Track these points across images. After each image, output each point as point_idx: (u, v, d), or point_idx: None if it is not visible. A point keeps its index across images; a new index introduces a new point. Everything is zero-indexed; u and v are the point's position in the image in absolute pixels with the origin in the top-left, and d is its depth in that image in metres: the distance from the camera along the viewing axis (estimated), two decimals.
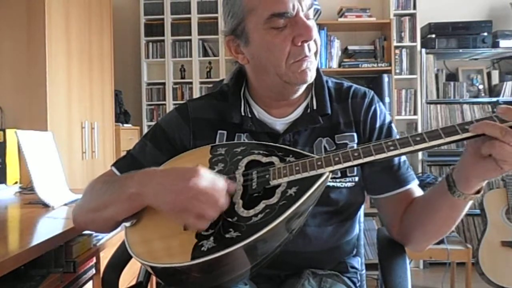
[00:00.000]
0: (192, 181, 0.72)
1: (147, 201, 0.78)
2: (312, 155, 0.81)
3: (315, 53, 0.91)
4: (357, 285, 1.04)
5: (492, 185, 3.11)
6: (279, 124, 0.97)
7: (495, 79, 3.57)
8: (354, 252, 1.07)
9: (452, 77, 3.64)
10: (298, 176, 0.77)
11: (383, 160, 0.75)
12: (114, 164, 1.00)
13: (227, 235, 0.72)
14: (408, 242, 0.97)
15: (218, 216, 0.74)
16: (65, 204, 1.51)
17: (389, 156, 0.74)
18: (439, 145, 0.72)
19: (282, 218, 0.71)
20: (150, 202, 0.78)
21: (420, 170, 3.39)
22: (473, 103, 3.51)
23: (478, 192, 0.79)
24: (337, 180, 0.92)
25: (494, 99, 3.45)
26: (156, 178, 0.78)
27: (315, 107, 0.96)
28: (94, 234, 1.36)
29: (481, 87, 3.57)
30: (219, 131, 0.97)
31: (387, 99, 3.37)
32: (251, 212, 0.75)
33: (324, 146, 0.95)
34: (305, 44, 0.87)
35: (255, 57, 0.92)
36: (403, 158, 0.97)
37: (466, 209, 0.83)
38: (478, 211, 2.90)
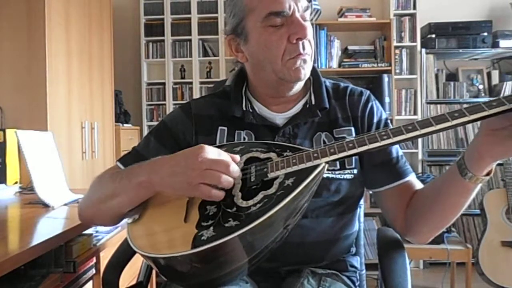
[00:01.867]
0: (200, 156, 0.76)
1: (158, 187, 0.81)
2: (308, 149, 0.83)
3: (310, 54, 0.95)
4: (356, 284, 1.05)
5: (492, 185, 3.11)
6: (279, 118, 1.01)
7: (495, 79, 3.58)
8: (354, 251, 1.09)
9: (452, 77, 3.65)
10: (295, 167, 0.79)
11: (378, 149, 0.77)
12: (119, 160, 1.02)
13: (226, 224, 0.74)
14: (413, 233, 0.98)
15: (233, 183, 0.78)
16: (65, 204, 1.51)
17: (383, 145, 0.76)
18: (430, 133, 0.74)
19: (279, 207, 0.73)
20: (162, 187, 0.81)
21: (420, 170, 3.39)
22: (473, 103, 3.50)
23: (488, 174, 0.80)
24: (336, 172, 0.95)
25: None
26: (165, 164, 0.81)
27: (313, 102, 1.00)
28: (94, 234, 1.36)
29: (481, 87, 3.57)
30: (220, 127, 1.00)
31: (387, 99, 3.37)
32: (250, 202, 0.77)
33: (323, 140, 0.98)
34: (300, 42, 0.92)
35: (254, 55, 0.96)
36: (400, 152, 1.00)
37: (473, 195, 0.84)
38: (478, 211, 2.90)
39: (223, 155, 0.79)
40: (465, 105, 3.00)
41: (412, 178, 0.99)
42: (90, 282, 1.31)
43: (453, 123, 0.72)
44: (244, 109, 1.00)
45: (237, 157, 0.82)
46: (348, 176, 0.96)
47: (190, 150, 0.80)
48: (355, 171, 0.97)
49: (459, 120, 0.71)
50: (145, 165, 0.84)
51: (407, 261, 0.99)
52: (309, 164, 0.79)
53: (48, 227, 1.25)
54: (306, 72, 0.95)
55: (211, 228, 0.74)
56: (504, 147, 0.74)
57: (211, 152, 0.78)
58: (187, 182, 0.76)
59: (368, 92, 1.06)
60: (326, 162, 0.79)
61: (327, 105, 1.00)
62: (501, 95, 3.43)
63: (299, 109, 1.01)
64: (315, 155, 0.79)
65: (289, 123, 0.99)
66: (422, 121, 0.74)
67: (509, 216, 2.65)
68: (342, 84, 1.07)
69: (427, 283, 3.09)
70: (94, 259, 1.32)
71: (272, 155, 0.86)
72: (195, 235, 0.74)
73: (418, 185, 0.99)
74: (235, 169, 0.78)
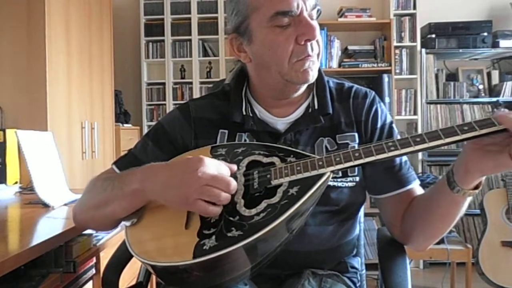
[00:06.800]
0: (199, 170, 0.73)
1: (151, 197, 0.79)
2: (313, 155, 0.81)
3: (317, 54, 0.91)
4: (357, 285, 1.04)
5: (492, 185, 3.11)
6: (280, 123, 0.97)
7: (495, 79, 3.57)
8: (354, 252, 1.07)
9: (452, 77, 3.64)
10: (300, 175, 0.77)
11: (384, 160, 0.76)
12: (115, 163, 0.99)
13: (229, 234, 0.72)
14: (409, 241, 0.97)
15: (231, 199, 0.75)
16: (65, 204, 1.51)
17: (390, 156, 0.74)
18: (438, 146, 0.72)
19: (284, 217, 0.72)
20: (155, 197, 0.78)
21: (420, 170, 3.39)
22: (473, 103, 3.51)
23: (476, 187, 0.79)
24: (338, 179, 0.93)
25: (494, 99, 3.44)
26: (160, 173, 0.78)
27: (316, 107, 0.97)
28: (94, 234, 1.36)
29: (481, 87, 3.57)
30: (221, 130, 0.97)
31: (387, 99, 3.37)
32: (253, 211, 0.75)
33: (326, 146, 0.95)
34: (308, 44, 0.88)
35: (258, 56, 0.92)
36: (404, 158, 0.97)
37: (465, 206, 0.83)
38: (478, 211, 2.90)
39: (222, 168, 0.76)
40: (465, 106, 2.98)
41: (414, 185, 0.96)
42: (90, 282, 1.31)
43: (462, 137, 0.70)
44: (244, 113, 0.96)
45: (235, 166, 0.80)
46: (350, 184, 0.94)
47: (188, 162, 0.76)
48: (357, 178, 0.95)
49: (468, 134, 0.70)
50: (138, 172, 0.82)
51: (407, 261, 0.99)
52: (314, 172, 0.77)
53: (48, 227, 1.25)
54: (314, 74, 0.91)
55: (213, 237, 0.72)
56: (494, 162, 0.72)
57: (211, 166, 0.75)
58: (184, 197, 0.74)
59: (373, 93, 1.02)
60: (331, 171, 0.77)
61: (331, 111, 0.96)
62: (501, 95, 3.42)
63: (301, 113, 0.97)
64: (320, 163, 0.77)
65: (291, 129, 0.95)
66: (430, 133, 0.73)
67: (509, 216, 2.65)
68: (347, 85, 1.03)
69: (427, 283, 3.09)
70: (94, 259, 1.32)
71: (275, 159, 0.84)
72: (196, 243, 0.72)
73: (419, 192, 0.97)
74: (234, 186, 0.75)
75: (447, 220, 0.87)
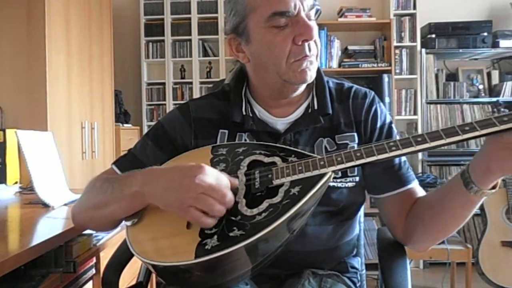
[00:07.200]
0: (198, 177, 0.72)
1: (150, 200, 0.79)
2: (315, 155, 0.81)
3: (316, 55, 0.92)
4: (357, 285, 1.04)
5: None
6: (280, 123, 0.97)
7: (495, 79, 3.58)
8: (354, 252, 1.07)
9: (452, 77, 3.65)
10: (301, 175, 0.78)
11: (385, 160, 0.76)
12: (114, 163, 1.00)
13: (231, 234, 0.72)
14: (412, 242, 0.96)
15: (225, 212, 0.74)
16: (65, 204, 1.51)
17: (391, 156, 0.75)
18: (440, 146, 0.72)
19: (286, 217, 0.72)
20: (154, 200, 0.78)
21: (420, 170, 3.39)
22: (473, 103, 3.51)
23: (494, 187, 0.78)
24: (338, 180, 0.93)
25: (494, 99, 3.44)
26: (160, 176, 0.78)
27: (316, 107, 0.97)
28: (94, 234, 1.36)
29: (481, 87, 3.57)
30: (221, 130, 0.97)
31: (387, 99, 3.37)
32: (255, 211, 0.75)
33: (325, 146, 0.95)
34: (306, 44, 0.88)
35: (256, 56, 0.92)
36: (403, 158, 0.97)
37: (477, 207, 0.82)
38: (478, 211, 2.89)
39: (223, 181, 0.75)
40: (465, 106, 2.98)
41: (414, 185, 0.96)
42: (90, 282, 1.31)
43: (463, 137, 0.71)
44: (244, 113, 0.96)
45: (236, 181, 0.79)
46: (350, 184, 0.94)
47: (188, 167, 0.76)
48: (357, 178, 0.95)
49: (469, 134, 0.70)
50: (138, 175, 0.81)
51: (407, 261, 0.99)
52: (316, 172, 0.77)
53: (48, 227, 1.25)
54: (312, 74, 0.91)
55: (215, 236, 0.72)
56: None
57: (210, 175, 0.74)
58: (179, 201, 0.73)
59: (373, 93, 1.02)
60: (333, 171, 0.77)
61: (331, 111, 0.96)
62: (501, 95, 3.41)
63: (301, 113, 0.97)
64: (322, 163, 0.78)
65: (290, 129, 0.95)
66: (432, 133, 0.73)
67: (509, 216, 2.64)
68: (346, 85, 1.03)
69: (427, 283, 3.09)
70: (94, 259, 1.32)
71: (277, 159, 0.84)
72: (198, 243, 0.72)
73: (420, 192, 0.97)
74: (230, 198, 0.74)
75: (457, 222, 0.86)
